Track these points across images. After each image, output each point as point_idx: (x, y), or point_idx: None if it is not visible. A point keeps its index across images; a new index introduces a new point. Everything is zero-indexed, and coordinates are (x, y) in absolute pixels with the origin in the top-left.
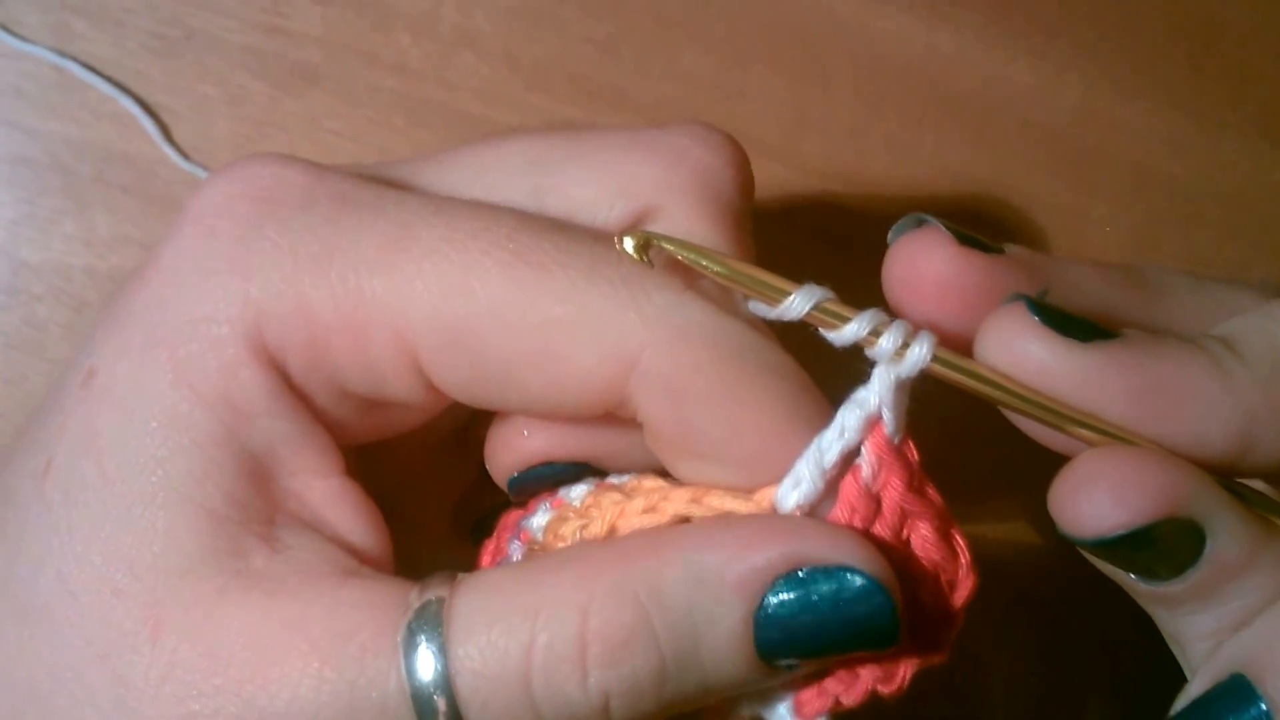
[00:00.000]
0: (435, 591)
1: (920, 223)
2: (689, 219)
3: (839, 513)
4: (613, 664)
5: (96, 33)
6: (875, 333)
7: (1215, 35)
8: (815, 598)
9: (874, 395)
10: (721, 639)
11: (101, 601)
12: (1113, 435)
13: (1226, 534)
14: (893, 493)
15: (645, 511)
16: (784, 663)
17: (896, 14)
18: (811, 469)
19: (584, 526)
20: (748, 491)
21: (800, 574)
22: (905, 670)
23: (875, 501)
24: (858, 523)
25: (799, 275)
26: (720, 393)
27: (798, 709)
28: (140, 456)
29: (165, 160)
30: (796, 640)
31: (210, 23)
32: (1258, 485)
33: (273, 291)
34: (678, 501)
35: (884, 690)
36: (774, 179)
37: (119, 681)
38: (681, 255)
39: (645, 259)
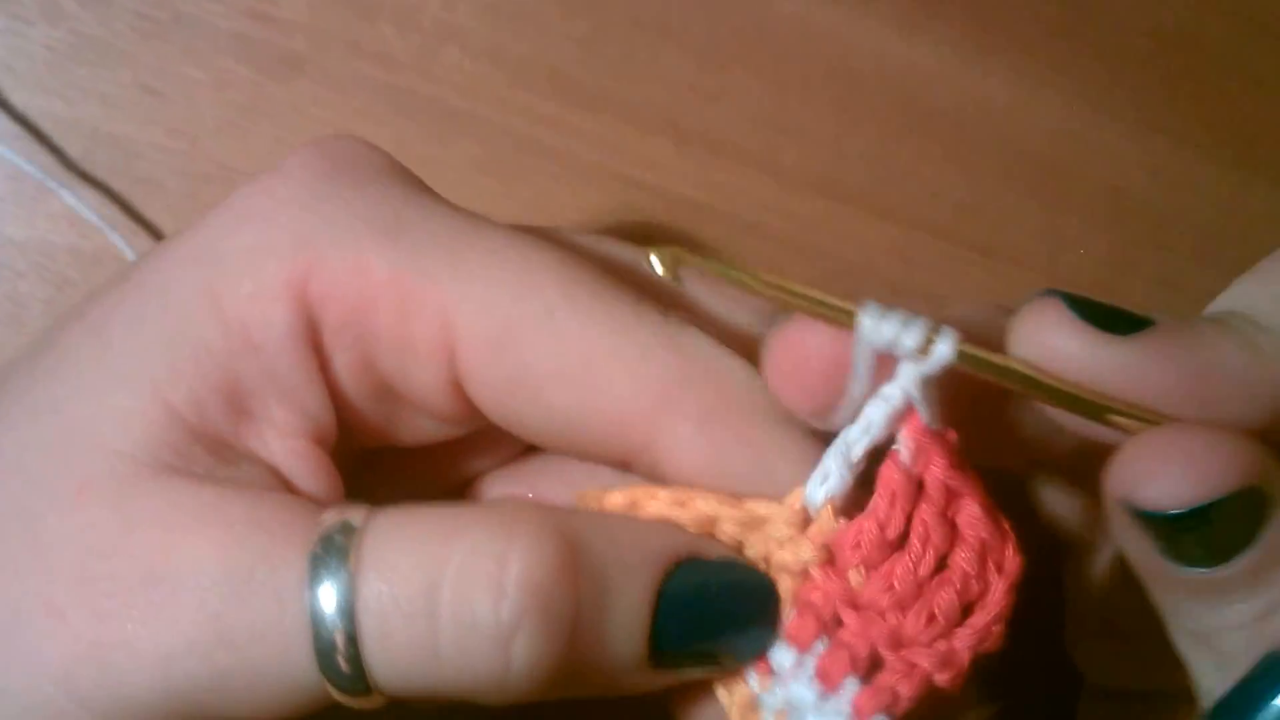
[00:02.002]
0: (353, 510)
1: (1046, 295)
2: None
3: (879, 500)
4: (533, 588)
5: (86, 12)
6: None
7: (1194, 60)
8: (710, 582)
9: (899, 390)
10: (628, 609)
11: (42, 461)
12: (1153, 420)
13: None
14: (936, 471)
15: (674, 504)
16: (672, 658)
17: (875, 26)
18: (838, 463)
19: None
20: (732, 501)
21: (697, 562)
22: (961, 657)
23: (917, 484)
24: (900, 506)
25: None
26: (749, 431)
27: (855, 713)
28: (136, 344)
29: (152, 141)
30: (691, 621)
31: (198, 7)
32: None
33: (334, 242)
34: (660, 502)
35: (941, 680)
36: (749, 185)
37: (33, 537)
38: (715, 274)
39: (675, 277)
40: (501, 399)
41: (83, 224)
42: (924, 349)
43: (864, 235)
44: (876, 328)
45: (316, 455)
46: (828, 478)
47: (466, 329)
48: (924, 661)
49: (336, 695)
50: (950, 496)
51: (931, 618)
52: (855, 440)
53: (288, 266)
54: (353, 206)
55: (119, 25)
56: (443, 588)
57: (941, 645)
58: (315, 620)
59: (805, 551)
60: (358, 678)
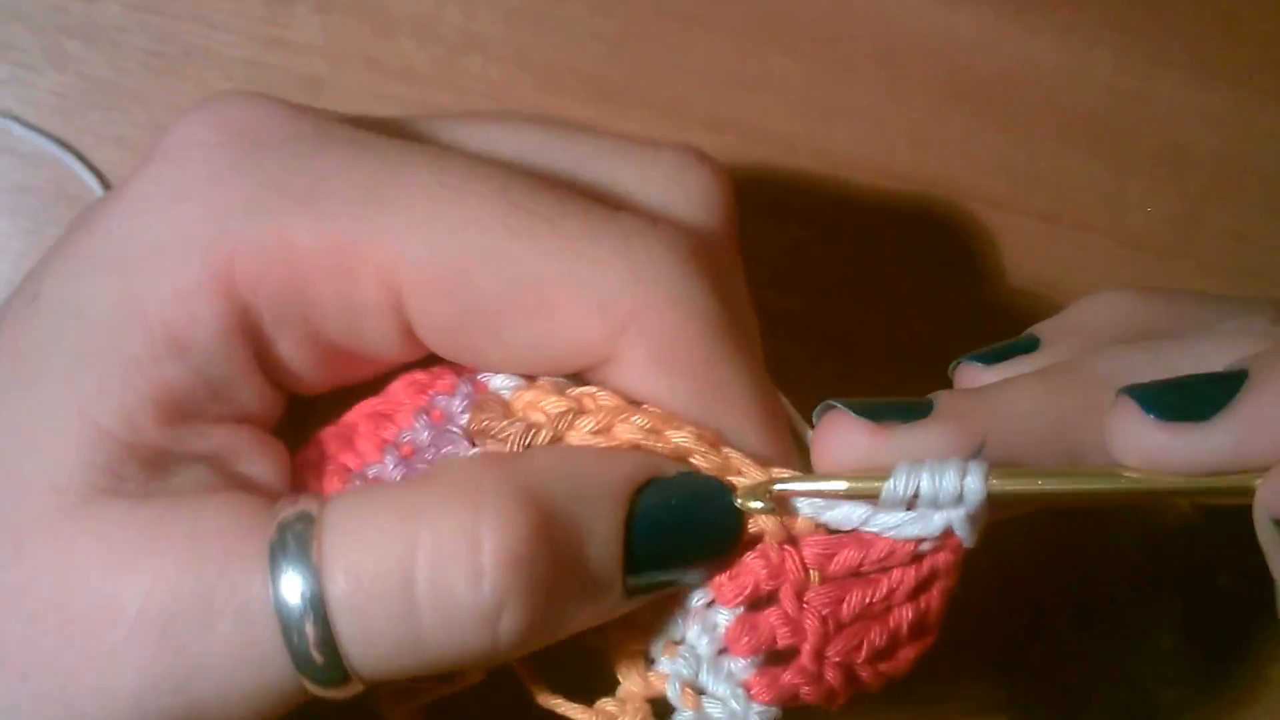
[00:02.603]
0: (307, 499)
1: (827, 409)
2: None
3: (872, 549)
4: (512, 562)
5: (92, 54)
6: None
7: (1247, 1)
8: (674, 501)
9: (941, 523)
10: (602, 543)
11: None
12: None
13: None
14: (940, 565)
15: (597, 431)
16: (644, 581)
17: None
18: (848, 518)
19: (532, 432)
20: (710, 441)
21: (658, 481)
22: (863, 685)
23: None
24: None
25: (823, 277)
26: (705, 371)
27: (747, 691)
28: (56, 369)
29: None
30: (661, 544)
31: (207, 38)
32: None
33: (252, 226)
34: (633, 429)
35: (836, 700)
36: (796, 173)
37: None
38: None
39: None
40: (456, 340)
41: None
42: (959, 496)
43: (920, 215)
44: (901, 493)
45: (260, 438)
46: (829, 509)
47: (409, 280)
48: (832, 678)
49: (313, 689)
50: (930, 579)
51: (859, 646)
52: (878, 525)
53: (208, 259)
54: (261, 176)
55: (128, 64)
56: (417, 575)
57: (853, 670)
58: (284, 621)
59: (771, 523)
60: (334, 668)
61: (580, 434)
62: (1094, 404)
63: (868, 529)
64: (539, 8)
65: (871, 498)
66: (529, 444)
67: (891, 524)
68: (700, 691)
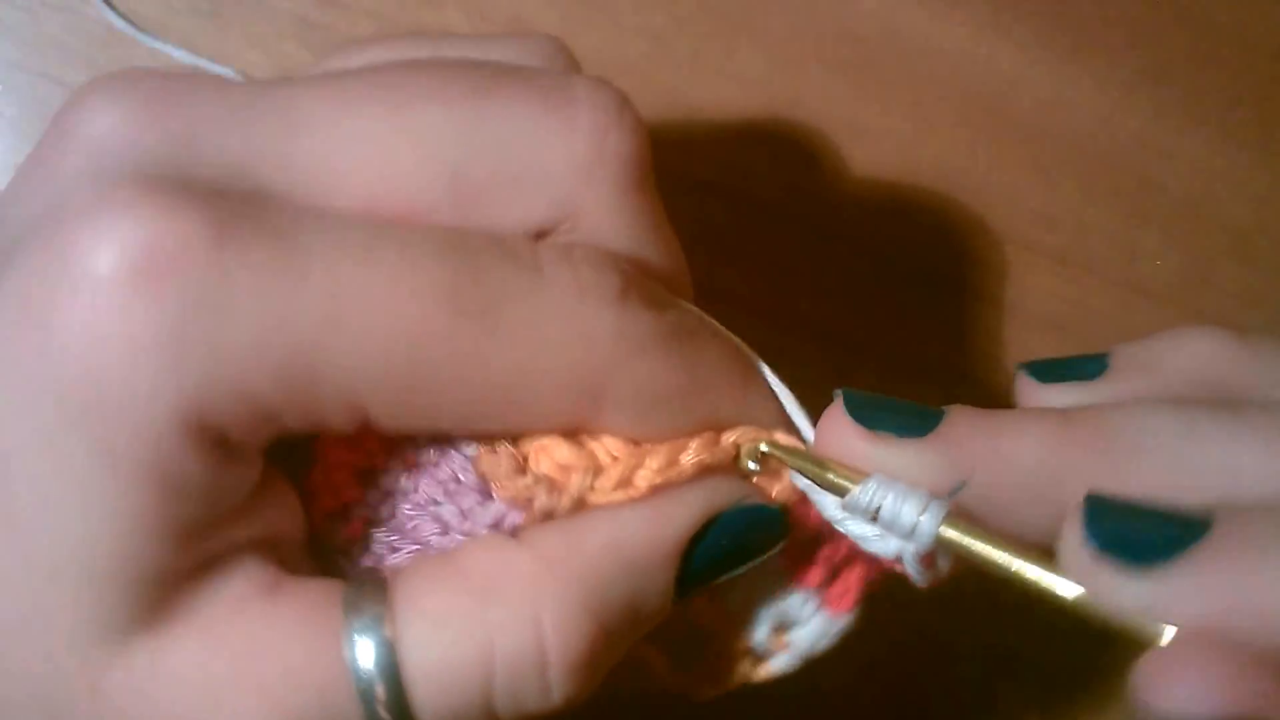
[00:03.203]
0: (370, 597)
1: (836, 397)
2: (613, 215)
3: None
4: (574, 675)
5: None
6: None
7: None
8: (724, 541)
9: (893, 550)
10: (656, 605)
11: (39, 667)
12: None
13: None
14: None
15: (619, 487)
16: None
17: (959, 28)
18: (821, 508)
19: (555, 496)
20: (712, 443)
21: (708, 531)
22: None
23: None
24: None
25: (837, 287)
26: (685, 394)
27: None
28: (63, 538)
29: None
30: (708, 575)
31: None
32: None
33: (211, 377)
34: (649, 472)
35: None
36: (824, 188)
37: None
38: (789, 463)
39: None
40: (428, 430)
41: None
42: (912, 531)
43: (936, 240)
44: (863, 504)
45: (273, 506)
46: (815, 491)
47: (370, 399)
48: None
49: None
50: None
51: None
52: (846, 529)
53: (177, 410)
54: (207, 329)
55: (178, 4)
56: (495, 693)
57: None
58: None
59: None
60: None
61: (602, 495)
62: (1103, 466)
63: (838, 527)
64: None
65: (840, 494)
66: (553, 506)
67: (857, 533)
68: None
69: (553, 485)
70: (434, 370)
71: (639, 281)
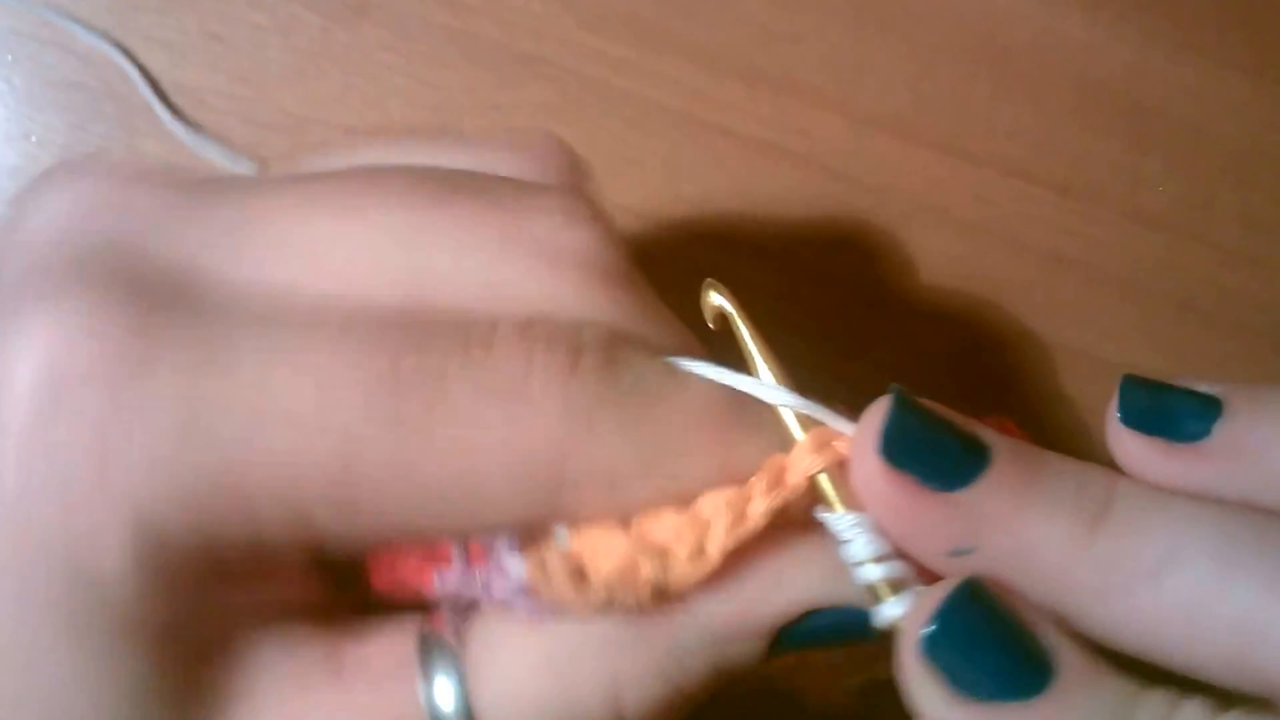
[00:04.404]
0: (441, 669)
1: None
2: (586, 306)
3: None
4: None
5: None
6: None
7: None
8: (821, 632)
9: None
10: (740, 665)
11: None
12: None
13: None
14: None
15: (692, 560)
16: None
17: None
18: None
19: (628, 592)
20: (776, 481)
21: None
22: None
23: None
24: None
25: (842, 232)
26: (664, 456)
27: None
28: (87, 696)
29: (218, 89)
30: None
31: None
32: None
33: (149, 491)
34: (719, 535)
35: None
36: (825, 128)
37: None
38: (744, 349)
39: (712, 322)
40: (381, 540)
41: None
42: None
43: (940, 176)
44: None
45: (290, 586)
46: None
47: (313, 505)
48: None
49: None
50: None
51: None
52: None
53: (126, 529)
54: (144, 431)
55: None
56: None
57: None
58: None
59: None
60: None
61: (680, 574)
62: (1104, 609)
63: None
64: None
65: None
66: (635, 604)
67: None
68: None
69: (624, 584)
70: (372, 462)
71: (602, 345)
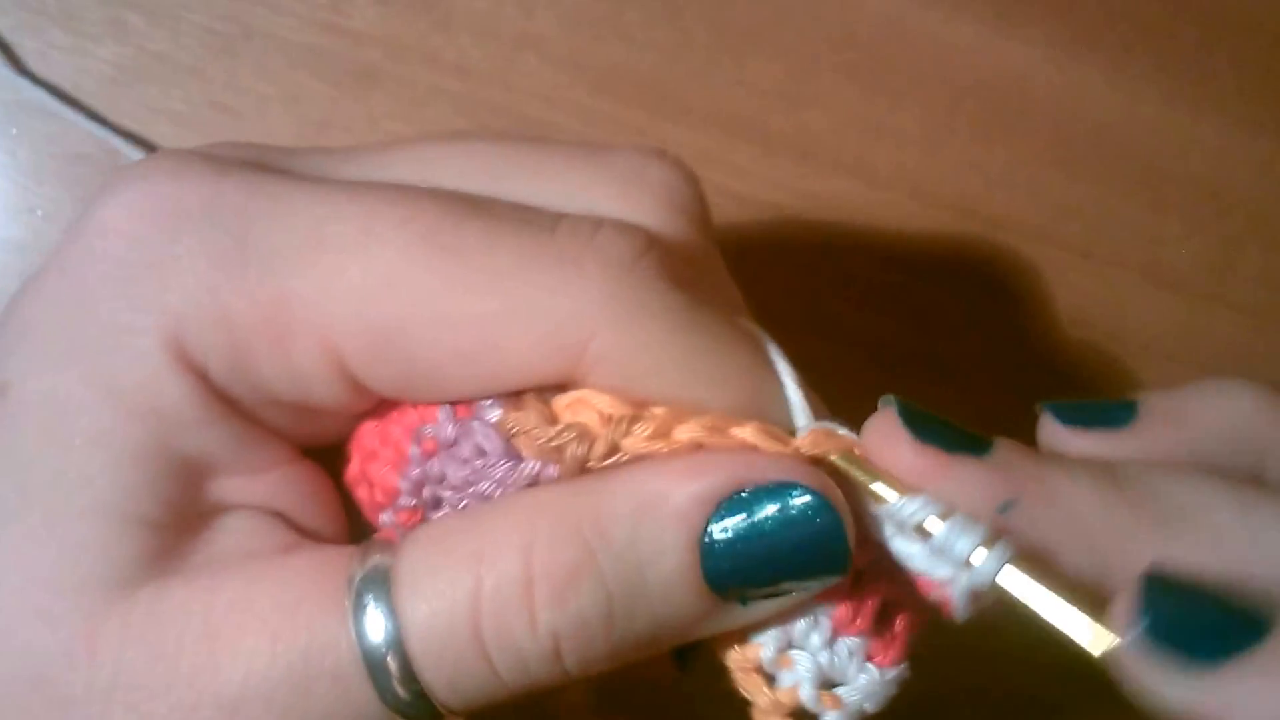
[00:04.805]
0: (378, 551)
1: (885, 405)
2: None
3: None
4: (559, 603)
5: (153, 29)
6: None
7: None
8: (759, 519)
9: (941, 577)
10: (668, 571)
11: (25, 625)
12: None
13: None
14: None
15: (656, 437)
16: (736, 594)
17: (969, 26)
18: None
19: (586, 443)
20: (774, 434)
21: (744, 495)
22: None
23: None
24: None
25: (858, 289)
26: (678, 371)
27: (876, 660)
28: (66, 475)
29: None
30: (744, 566)
31: (268, 20)
32: None
33: (190, 299)
34: (692, 426)
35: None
36: (841, 192)
37: (61, 702)
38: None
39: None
40: (405, 390)
41: None
42: (965, 563)
43: (959, 240)
44: (906, 518)
45: (292, 477)
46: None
47: (345, 339)
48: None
49: None
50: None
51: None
52: (893, 546)
53: (160, 338)
54: (192, 253)
55: (188, 41)
56: (483, 623)
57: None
58: (374, 674)
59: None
60: (426, 709)
61: (637, 440)
62: (1157, 537)
63: (882, 541)
64: (597, 13)
65: (881, 502)
66: (585, 453)
67: (903, 550)
68: (832, 686)
69: (584, 432)
70: (409, 309)
71: (669, 260)
